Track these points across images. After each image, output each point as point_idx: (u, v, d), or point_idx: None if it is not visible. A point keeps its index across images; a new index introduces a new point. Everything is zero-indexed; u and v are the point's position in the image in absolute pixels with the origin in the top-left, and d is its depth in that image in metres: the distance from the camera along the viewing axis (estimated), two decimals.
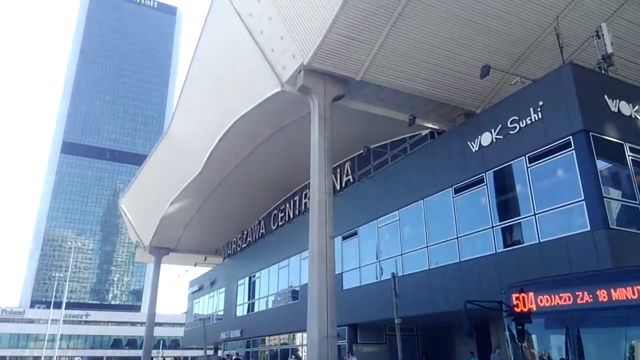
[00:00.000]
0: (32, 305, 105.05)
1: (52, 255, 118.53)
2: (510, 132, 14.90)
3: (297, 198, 31.72)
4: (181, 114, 30.72)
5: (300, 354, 27.78)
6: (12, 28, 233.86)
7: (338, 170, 26.49)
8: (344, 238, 22.82)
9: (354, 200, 23.14)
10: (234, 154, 27.72)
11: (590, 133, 12.78)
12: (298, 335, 28.13)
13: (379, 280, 20.28)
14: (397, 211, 19.71)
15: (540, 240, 13.55)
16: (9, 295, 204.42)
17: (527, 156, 14.27)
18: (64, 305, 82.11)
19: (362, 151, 25.55)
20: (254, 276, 34.70)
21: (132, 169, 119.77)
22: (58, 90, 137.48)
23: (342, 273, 22.22)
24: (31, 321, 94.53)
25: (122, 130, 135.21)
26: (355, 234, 22.37)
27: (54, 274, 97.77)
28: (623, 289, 7.21)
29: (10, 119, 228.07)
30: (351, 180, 25.89)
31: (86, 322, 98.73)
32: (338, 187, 26.04)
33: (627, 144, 13.33)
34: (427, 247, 17.82)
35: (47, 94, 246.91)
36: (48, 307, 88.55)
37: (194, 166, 29.78)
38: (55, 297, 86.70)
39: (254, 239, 37.66)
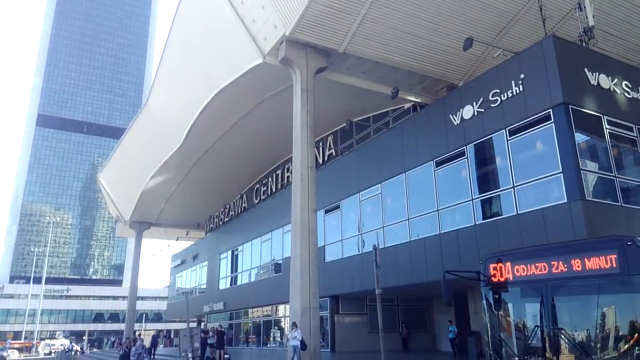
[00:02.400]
0: (11, 281, 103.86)
1: (31, 230, 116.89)
2: (492, 105, 14.97)
3: (279, 172, 31.65)
4: (160, 85, 30.07)
5: (283, 326, 28.18)
6: None
7: (321, 143, 26.40)
8: (327, 211, 22.94)
9: (336, 173, 23.18)
10: (215, 127, 27.38)
11: (570, 106, 12.91)
12: (281, 307, 28.48)
13: (360, 252, 20.52)
14: (379, 184, 19.82)
15: (519, 212, 13.80)
16: None
17: (507, 129, 14.39)
18: (44, 280, 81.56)
19: (344, 125, 25.49)
20: (236, 250, 34.79)
21: (110, 142, 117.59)
22: (32, 61, 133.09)
23: (324, 246, 22.40)
24: (11, 296, 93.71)
25: (99, 103, 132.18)
26: (338, 207, 22.49)
27: (32, 249, 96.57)
28: (596, 258, 7.40)
29: None
30: (334, 153, 25.88)
31: (67, 297, 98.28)
32: (321, 161, 26.02)
33: (605, 116, 13.52)
34: (409, 219, 18.02)
35: (21, 65, 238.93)
36: (28, 282, 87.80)
37: (174, 139, 29.37)
38: (35, 272, 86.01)
39: (236, 212, 37.60)
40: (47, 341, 76.53)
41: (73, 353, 47.89)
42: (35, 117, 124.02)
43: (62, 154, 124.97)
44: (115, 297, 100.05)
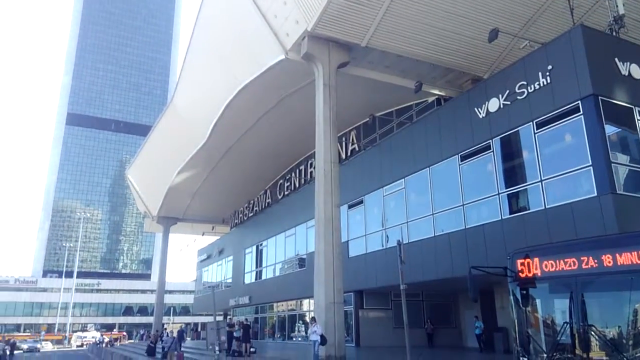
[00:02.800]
0: (44, 275, 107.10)
1: (62, 226, 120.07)
2: (518, 97, 14.69)
3: (302, 167, 31.74)
4: (185, 83, 30.47)
5: (308, 320, 28.35)
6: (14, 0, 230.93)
7: (343, 138, 26.37)
8: (350, 207, 22.92)
9: (359, 168, 23.12)
10: (239, 123, 27.61)
11: (600, 97, 12.57)
12: (305, 302, 28.64)
13: (384, 247, 20.45)
14: (403, 179, 19.69)
15: (547, 207, 13.53)
16: (21, 265, 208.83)
17: (534, 122, 14.10)
18: (75, 274, 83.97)
19: (367, 119, 25.40)
20: (261, 245, 35.09)
21: (137, 139, 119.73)
22: (61, 60, 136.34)
23: (348, 241, 22.41)
24: (44, 290, 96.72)
25: (126, 101, 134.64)
26: (361, 202, 22.44)
27: (64, 244, 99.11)
28: (628, 253, 7.20)
29: (15, 91, 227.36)
30: (357, 148, 25.81)
31: (98, 291, 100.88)
32: (344, 156, 25.99)
33: (636, 108, 13.12)
34: (433, 214, 17.86)
35: (51, 65, 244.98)
36: (60, 276, 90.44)
37: (199, 136, 29.75)
38: (67, 266, 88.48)
39: (260, 208, 37.90)
40: (79, 333, 78.79)
41: (104, 345, 49.21)
42: (65, 116, 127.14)
43: (91, 151, 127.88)
44: (143, 291, 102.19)
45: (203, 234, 49.19)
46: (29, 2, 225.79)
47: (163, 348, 22.67)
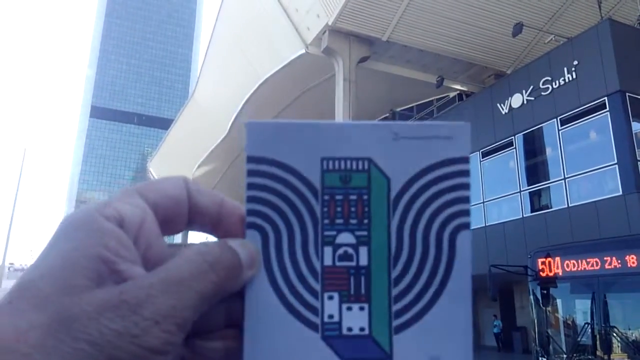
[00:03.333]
0: None
1: None
2: (542, 93, 14.41)
3: None
4: (206, 77, 30.71)
5: None
6: None
7: None
8: None
9: None
10: (259, 117, 27.70)
11: (627, 94, 12.26)
12: None
13: None
14: None
15: (570, 205, 13.28)
16: None
17: (559, 118, 13.83)
18: None
19: (387, 114, 25.24)
20: None
21: (159, 132, 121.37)
22: (85, 54, 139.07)
23: None
24: None
25: (148, 95, 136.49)
26: None
27: None
28: None
29: (41, 83, 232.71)
30: None
31: None
32: None
33: None
34: None
35: (75, 58, 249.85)
36: None
37: (219, 130, 30.00)
38: None
39: None
40: None
41: None
42: (89, 109, 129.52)
43: (114, 144, 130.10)
44: None
45: None
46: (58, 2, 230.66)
47: None
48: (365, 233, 0.38)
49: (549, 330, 8.63)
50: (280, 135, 0.38)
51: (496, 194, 16.01)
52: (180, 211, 0.37)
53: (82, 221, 0.33)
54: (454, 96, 21.82)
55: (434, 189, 0.38)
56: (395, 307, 0.37)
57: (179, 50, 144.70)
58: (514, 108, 15.43)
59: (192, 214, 0.38)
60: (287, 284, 0.37)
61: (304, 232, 0.38)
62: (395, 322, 0.37)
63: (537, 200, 14.80)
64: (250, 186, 0.38)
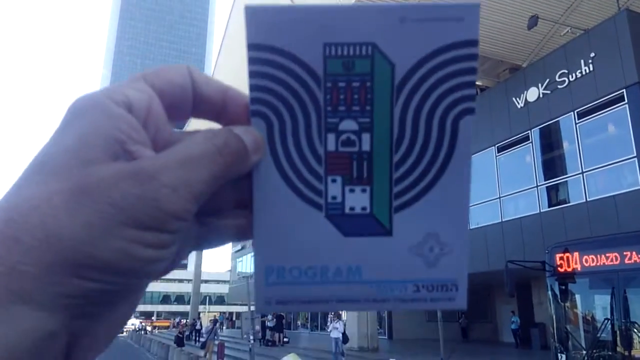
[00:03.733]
0: None
1: None
2: (559, 86, 14.21)
3: None
4: (220, 77, 30.81)
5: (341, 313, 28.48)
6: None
7: None
8: None
9: None
10: None
11: None
12: None
13: None
14: None
15: (588, 199, 13.10)
16: None
17: (576, 112, 13.63)
18: None
19: None
20: None
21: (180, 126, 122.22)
22: (101, 56, 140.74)
23: None
24: None
25: None
26: None
27: None
28: None
29: (58, 84, 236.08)
30: None
31: None
32: None
33: None
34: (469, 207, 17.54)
35: (92, 60, 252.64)
36: None
37: None
38: None
39: None
40: None
41: (143, 332, 50.88)
42: None
43: None
44: (180, 280, 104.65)
45: None
46: (73, 3, 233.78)
47: (205, 335, 23.09)
48: (368, 120, 0.38)
49: (568, 326, 8.54)
50: (282, 20, 0.37)
51: (513, 189, 15.86)
52: (185, 98, 0.38)
53: (92, 106, 0.33)
54: None
55: (440, 73, 0.38)
56: (396, 189, 0.39)
57: (192, 49, 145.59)
58: (529, 102, 15.24)
59: (197, 102, 0.39)
60: (292, 168, 0.38)
61: (307, 119, 0.38)
62: (396, 202, 0.39)
63: (554, 194, 14.62)
64: (253, 74, 0.38)
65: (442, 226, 0.39)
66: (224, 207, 0.39)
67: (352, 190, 0.39)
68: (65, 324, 0.30)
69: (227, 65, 29.26)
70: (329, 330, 15.42)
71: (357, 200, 0.39)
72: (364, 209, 0.39)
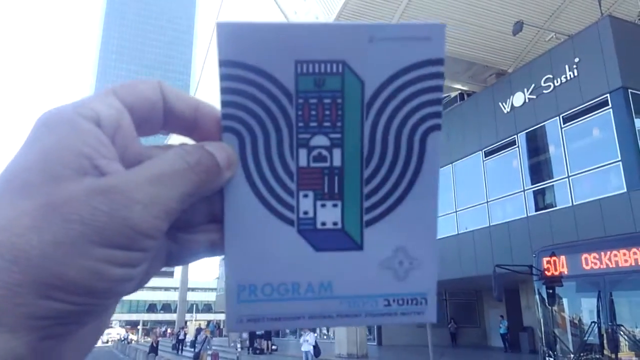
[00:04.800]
0: None
1: None
2: (544, 91, 14.33)
3: None
4: (207, 83, 30.71)
5: None
6: (42, 4, 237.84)
7: None
8: None
9: None
10: None
11: (629, 90, 12.18)
12: None
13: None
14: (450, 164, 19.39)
15: (574, 203, 13.18)
16: None
17: (561, 116, 13.74)
18: None
19: None
20: None
21: (161, 139, 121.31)
22: (89, 61, 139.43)
23: None
24: None
25: None
26: None
27: None
28: None
29: (46, 90, 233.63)
30: None
31: None
32: None
33: None
34: (456, 212, 17.59)
35: (78, 66, 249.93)
36: None
37: None
38: None
39: None
40: (108, 330, 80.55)
41: (128, 342, 50.12)
42: None
43: None
44: (167, 288, 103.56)
45: None
46: (59, 8, 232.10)
47: (199, 344, 22.65)
48: (338, 135, 0.39)
49: (556, 330, 8.53)
50: (254, 37, 0.37)
51: (500, 193, 15.92)
52: (156, 113, 0.38)
53: (60, 120, 0.32)
54: (455, 96, 21.74)
55: (408, 91, 0.38)
56: (366, 204, 0.39)
57: (178, 55, 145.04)
58: (515, 107, 15.35)
59: (167, 117, 0.38)
60: (264, 184, 0.38)
61: (279, 135, 0.38)
62: (366, 217, 0.39)
63: (541, 199, 14.70)
64: (225, 90, 0.38)
65: (411, 240, 0.40)
66: (196, 221, 0.38)
67: (323, 205, 0.39)
68: (33, 345, 0.29)
69: (214, 75, 29.14)
70: (301, 343, 15.03)
71: (329, 215, 0.39)
72: (335, 224, 0.39)
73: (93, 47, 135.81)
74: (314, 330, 14.59)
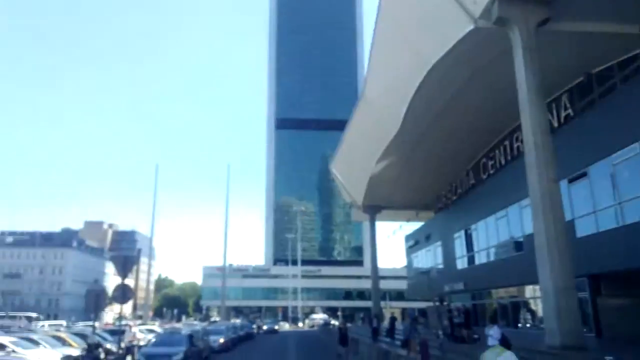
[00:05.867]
0: (274, 263, 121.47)
1: (283, 220, 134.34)
2: None
3: (507, 142, 29.27)
4: (373, 75, 30.90)
5: (533, 308, 26.12)
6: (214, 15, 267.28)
7: (553, 104, 23.39)
8: (570, 181, 20.15)
9: (577, 136, 20.15)
10: (430, 106, 26.80)
11: None
12: (528, 288, 26.35)
13: (621, 224, 17.42)
14: (637, 143, 16.42)
15: None
16: (253, 255, 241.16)
17: None
18: (299, 262, 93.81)
19: (581, 79, 22.04)
20: (469, 229, 33.61)
21: (335, 134, 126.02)
22: (263, 74, 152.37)
23: (573, 219, 19.74)
24: (275, 277, 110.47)
25: (320, 100, 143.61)
26: (585, 174, 19.52)
27: (287, 236, 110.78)
28: None
29: (225, 99, 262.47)
30: (571, 114, 22.61)
31: (319, 277, 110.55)
32: (556, 124, 23.06)
33: None
34: None
35: (253, 78, 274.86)
36: (287, 264, 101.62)
37: (392, 125, 29.83)
38: (291, 255, 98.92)
39: (464, 190, 36.36)
40: (313, 316, 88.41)
41: (330, 327, 53.54)
42: (274, 121, 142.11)
43: (297, 150, 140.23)
44: (358, 277, 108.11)
45: (408, 220, 49.54)
46: (228, 19, 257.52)
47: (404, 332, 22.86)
48: None
49: None
50: None
51: None
52: None
53: None
54: None
55: None
56: None
57: (344, 53, 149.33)
58: None
59: None
60: None
61: None
62: None
63: None
64: None
65: None
66: None
67: None
68: None
69: (380, 65, 29.05)
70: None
71: None
72: None
73: (269, 58, 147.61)
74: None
